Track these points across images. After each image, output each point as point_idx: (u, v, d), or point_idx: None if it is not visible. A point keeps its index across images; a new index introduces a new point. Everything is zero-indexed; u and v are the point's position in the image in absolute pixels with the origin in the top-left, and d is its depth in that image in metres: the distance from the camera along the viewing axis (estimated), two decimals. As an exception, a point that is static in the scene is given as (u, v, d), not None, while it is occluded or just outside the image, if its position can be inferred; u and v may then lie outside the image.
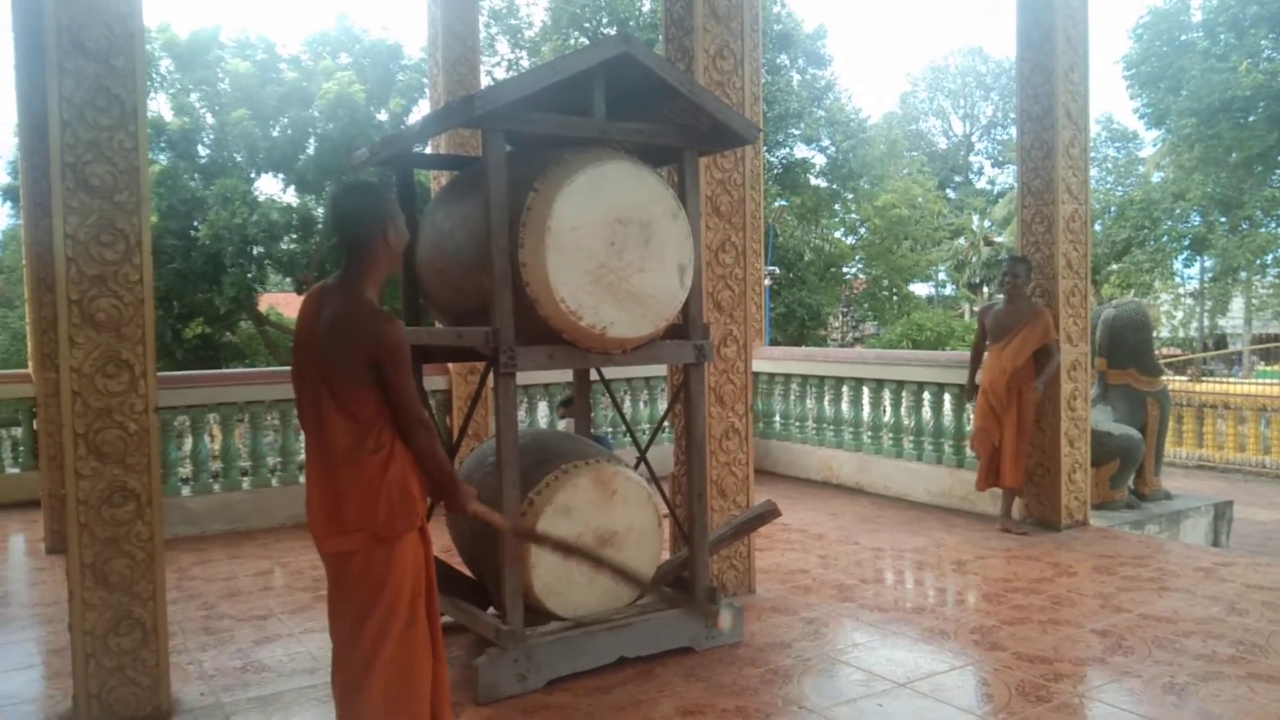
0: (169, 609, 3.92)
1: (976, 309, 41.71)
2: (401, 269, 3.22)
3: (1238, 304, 35.42)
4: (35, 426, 7.90)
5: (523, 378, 5.95)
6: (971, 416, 7.09)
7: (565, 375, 7.32)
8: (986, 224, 41.93)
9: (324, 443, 2.87)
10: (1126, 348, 8.04)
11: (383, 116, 21.47)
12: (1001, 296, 6.83)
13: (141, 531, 3.69)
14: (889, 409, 8.28)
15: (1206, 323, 36.24)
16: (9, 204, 19.93)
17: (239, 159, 20.82)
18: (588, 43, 23.62)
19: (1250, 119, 26.62)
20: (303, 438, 7.58)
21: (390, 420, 2.87)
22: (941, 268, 43.30)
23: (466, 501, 3.03)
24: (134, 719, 3.69)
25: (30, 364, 7.91)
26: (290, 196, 21.90)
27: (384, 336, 2.77)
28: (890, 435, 8.24)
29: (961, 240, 42.03)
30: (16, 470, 8.38)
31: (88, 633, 3.61)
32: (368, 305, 2.87)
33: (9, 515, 7.80)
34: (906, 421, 8.10)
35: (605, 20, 26.20)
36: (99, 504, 3.62)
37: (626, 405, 8.88)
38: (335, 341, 2.81)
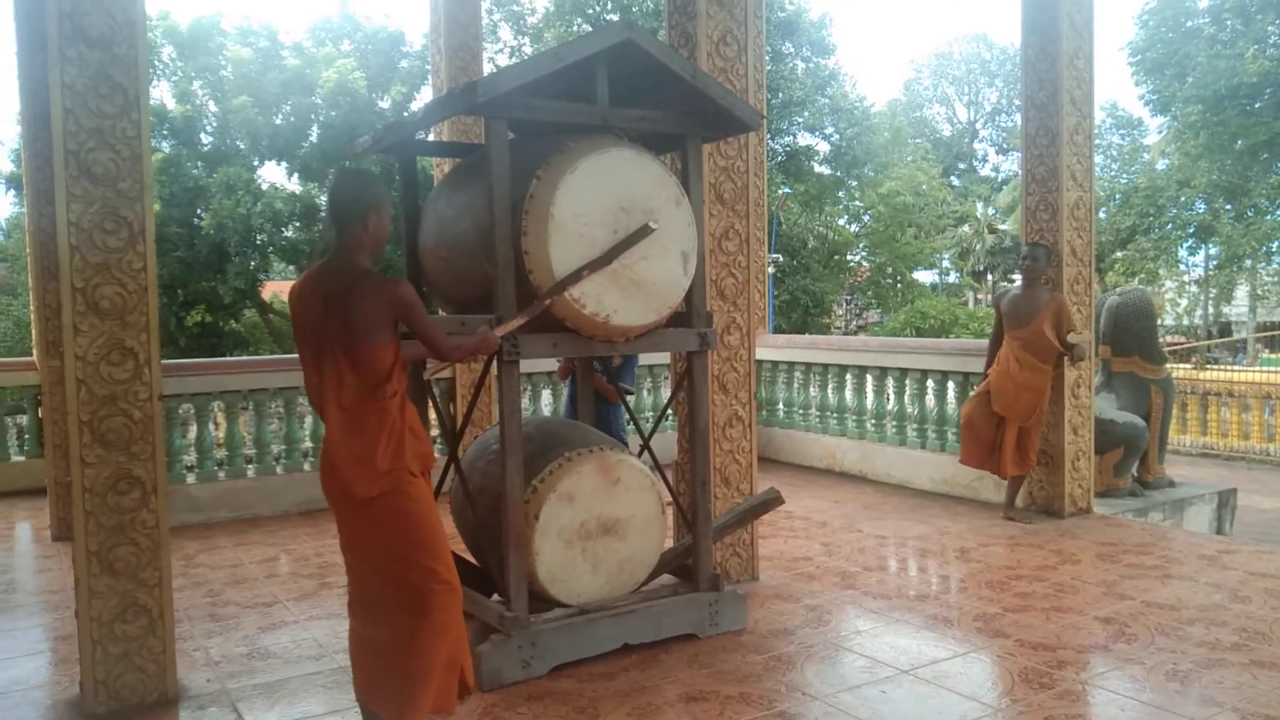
0: (175, 596, 3.94)
1: (980, 296, 41.73)
2: (382, 250, 3.36)
3: (1242, 292, 35.35)
4: (40, 414, 7.92)
5: (526, 365, 5.95)
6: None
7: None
8: (991, 211, 41.85)
9: (345, 403, 3.13)
10: (1131, 335, 8.03)
11: (385, 104, 21.45)
12: (1018, 281, 6.79)
13: (147, 519, 3.70)
14: (892, 397, 8.28)
15: (1211, 310, 36.17)
16: (13, 192, 19.94)
17: (242, 147, 20.81)
18: (590, 29, 23.53)
19: (1256, 105, 26.51)
20: (308, 423, 7.65)
21: (400, 370, 3.21)
22: (945, 255, 43.23)
23: (493, 339, 3.63)
24: (140, 705, 3.71)
25: (35, 352, 7.94)
26: (293, 184, 21.90)
27: (403, 295, 3.13)
28: (894, 423, 8.24)
29: (966, 228, 41.94)
30: (22, 458, 8.40)
31: (94, 620, 3.63)
32: (374, 274, 3.18)
33: (15, 503, 7.83)
34: (910, 409, 8.10)
35: (608, 6, 26.11)
36: (104, 491, 3.63)
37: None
38: (358, 306, 3.08)
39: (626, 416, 5.74)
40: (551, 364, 7.49)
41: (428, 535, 3.13)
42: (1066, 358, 6.51)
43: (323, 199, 21.26)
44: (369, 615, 3.21)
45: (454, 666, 3.17)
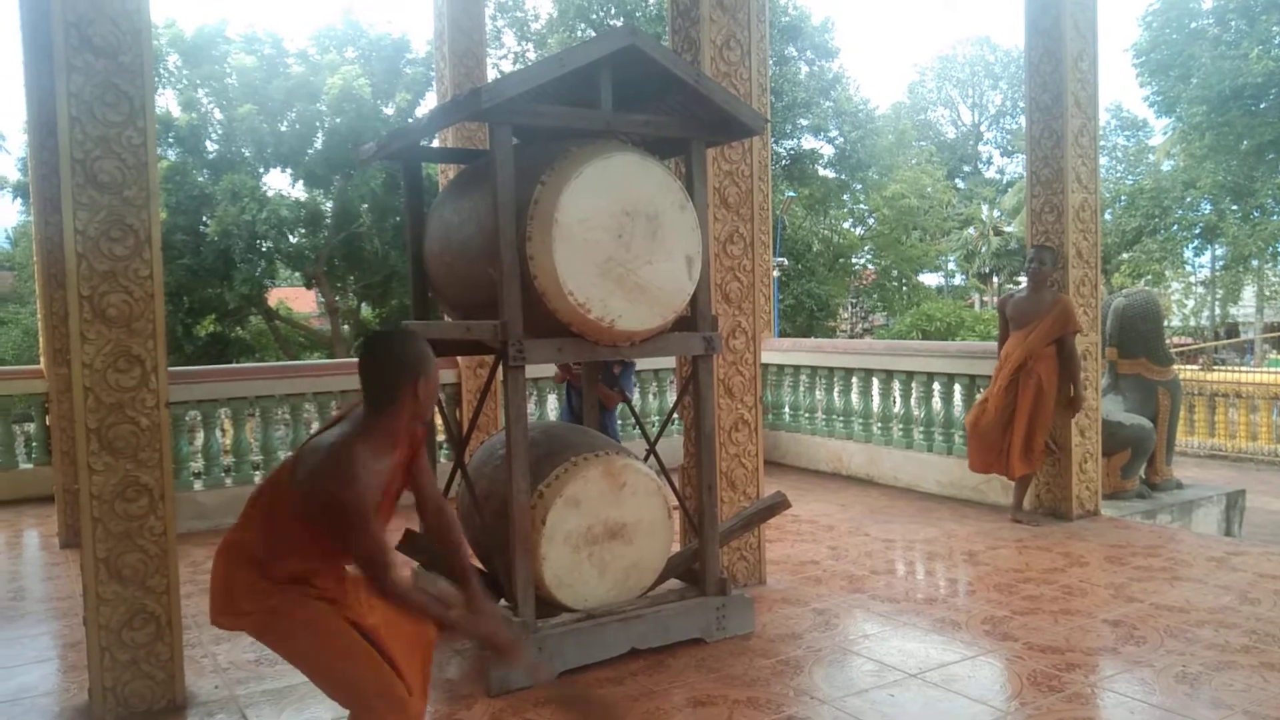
0: (183, 603, 3.95)
1: (986, 299, 41.66)
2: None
3: (1249, 292, 35.27)
4: (48, 422, 7.94)
5: (532, 370, 5.95)
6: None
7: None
8: (996, 213, 41.77)
9: (245, 534, 2.83)
10: (1137, 337, 8.00)
11: (389, 110, 21.51)
12: (1024, 284, 6.78)
13: (154, 526, 3.71)
14: (899, 400, 8.26)
15: (1218, 311, 36.07)
16: (19, 200, 20.02)
17: (247, 154, 20.87)
18: (594, 35, 23.56)
19: (1261, 106, 26.44)
20: (314, 428, 7.65)
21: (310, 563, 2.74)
22: (951, 258, 43.18)
23: (460, 623, 2.82)
24: (149, 712, 3.71)
25: (42, 360, 7.95)
26: (299, 191, 21.97)
27: (338, 499, 2.56)
28: (900, 426, 8.23)
29: (971, 230, 41.88)
30: (30, 465, 8.42)
31: (102, 627, 3.64)
32: (344, 464, 2.61)
33: (23, 510, 7.84)
34: (916, 412, 8.09)
35: (612, 12, 26.16)
36: (112, 499, 3.64)
37: (635, 398, 8.87)
38: (304, 486, 2.66)
39: (628, 421, 5.75)
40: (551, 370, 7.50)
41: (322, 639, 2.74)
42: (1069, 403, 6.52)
43: (328, 205, 21.35)
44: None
45: None
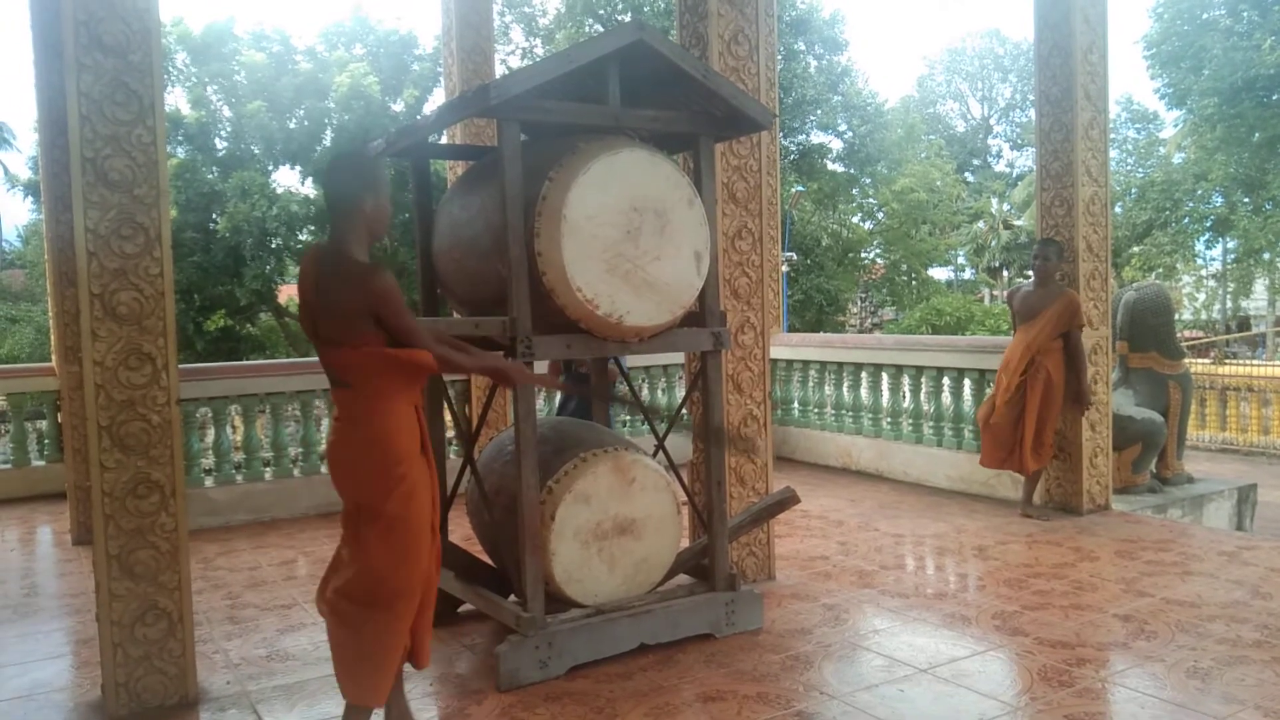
0: (194, 599, 3.96)
1: (996, 293, 41.53)
2: (382, 236, 3.37)
3: (1261, 285, 35.07)
4: (60, 419, 7.98)
5: (539, 367, 5.95)
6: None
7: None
8: (1006, 207, 41.65)
9: (337, 399, 3.19)
10: (1148, 331, 7.97)
11: (398, 107, 21.53)
12: (1030, 278, 6.76)
13: (166, 522, 3.73)
14: (908, 394, 8.25)
15: (1229, 305, 35.89)
16: (30, 199, 20.12)
17: (256, 151, 20.93)
18: (602, 30, 23.55)
19: (1274, 98, 26.24)
20: (324, 426, 7.67)
21: (379, 388, 3.11)
22: (960, 252, 43.06)
23: (516, 375, 3.46)
24: (161, 708, 3.73)
25: (54, 357, 7.99)
26: (308, 188, 22.01)
27: (379, 285, 3.02)
28: (910, 421, 8.21)
29: (980, 224, 41.76)
30: (42, 463, 8.48)
31: (115, 623, 3.66)
32: (355, 261, 3.11)
33: (36, 507, 7.89)
34: (926, 407, 8.07)
35: (620, 7, 26.12)
36: (124, 495, 3.65)
37: (644, 393, 8.88)
38: (331, 297, 3.06)
39: (630, 418, 5.76)
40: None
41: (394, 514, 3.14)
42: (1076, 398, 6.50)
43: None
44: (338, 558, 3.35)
45: None
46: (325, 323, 3.11)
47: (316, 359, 3.26)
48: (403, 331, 3.07)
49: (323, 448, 7.61)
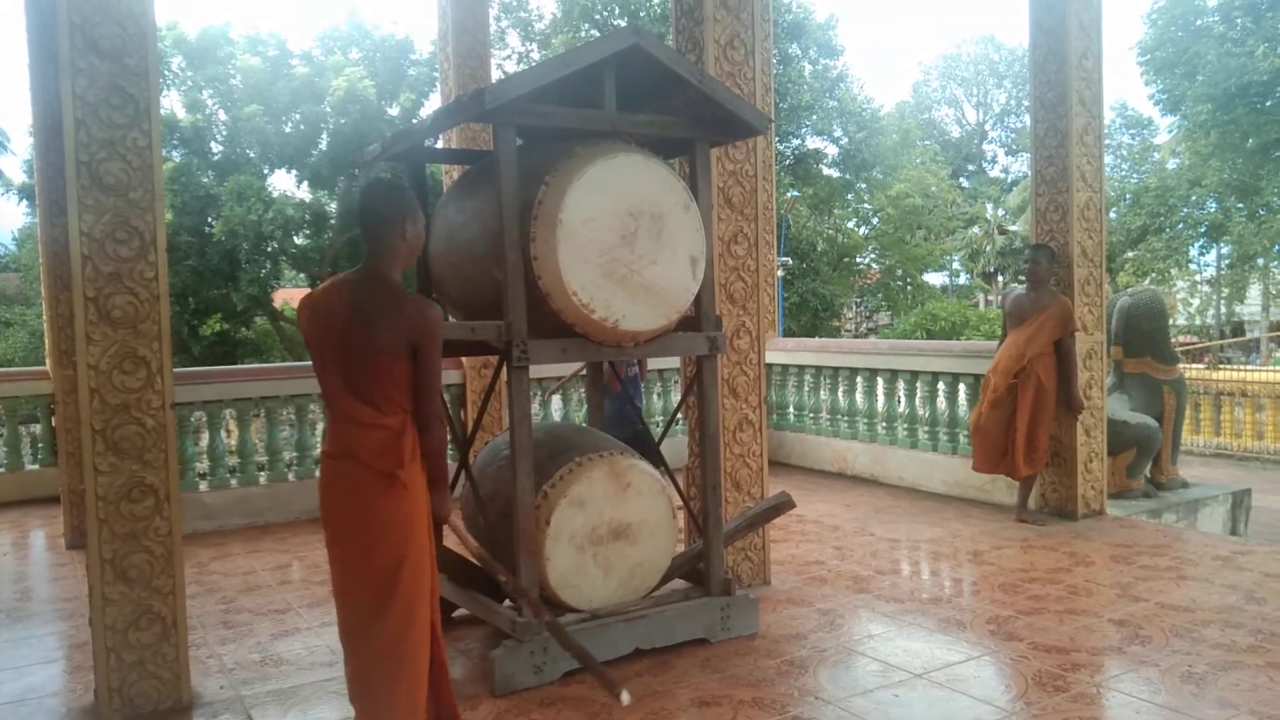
0: (188, 603, 3.95)
1: (991, 298, 41.60)
2: (415, 264, 3.34)
3: (1255, 291, 35.11)
4: (54, 423, 7.96)
5: (536, 370, 5.95)
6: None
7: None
8: (1001, 212, 41.72)
9: (363, 419, 3.07)
10: (1142, 336, 7.99)
11: (394, 111, 21.52)
12: (1023, 283, 6.78)
13: (160, 527, 3.72)
14: (903, 399, 8.25)
15: (1223, 310, 35.97)
16: (25, 203, 20.08)
17: (252, 155, 20.91)
18: (598, 35, 23.57)
19: (1268, 104, 26.31)
20: (319, 430, 7.67)
21: (408, 394, 3.05)
22: (955, 257, 43.09)
23: (447, 510, 3.23)
24: (155, 712, 3.72)
25: (48, 361, 7.98)
26: (304, 192, 22.00)
27: (427, 319, 3.01)
28: (905, 426, 8.22)
29: (976, 229, 41.81)
30: (36, 466, 8.45)
31: (108, 627, 3.65)
32: (403, 291, 3.08)
33: (29, 511, 7.87)
34: (921, 412, 8.08)
35: (616, 12, 26.14)
36: (118, 499, 3.65)
37: (641, 397, 8.87)
38: (377, 324, 2.98)
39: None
40: (561, 369, 7.50)
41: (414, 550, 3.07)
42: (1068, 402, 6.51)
43: (333, 206, 21.36)
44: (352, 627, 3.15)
45: None
46: (360, 359, 3.02)
47: (310, 364, 3.24)
48: (429, 373, 3.05)
49: (317, 451, 7.61)
